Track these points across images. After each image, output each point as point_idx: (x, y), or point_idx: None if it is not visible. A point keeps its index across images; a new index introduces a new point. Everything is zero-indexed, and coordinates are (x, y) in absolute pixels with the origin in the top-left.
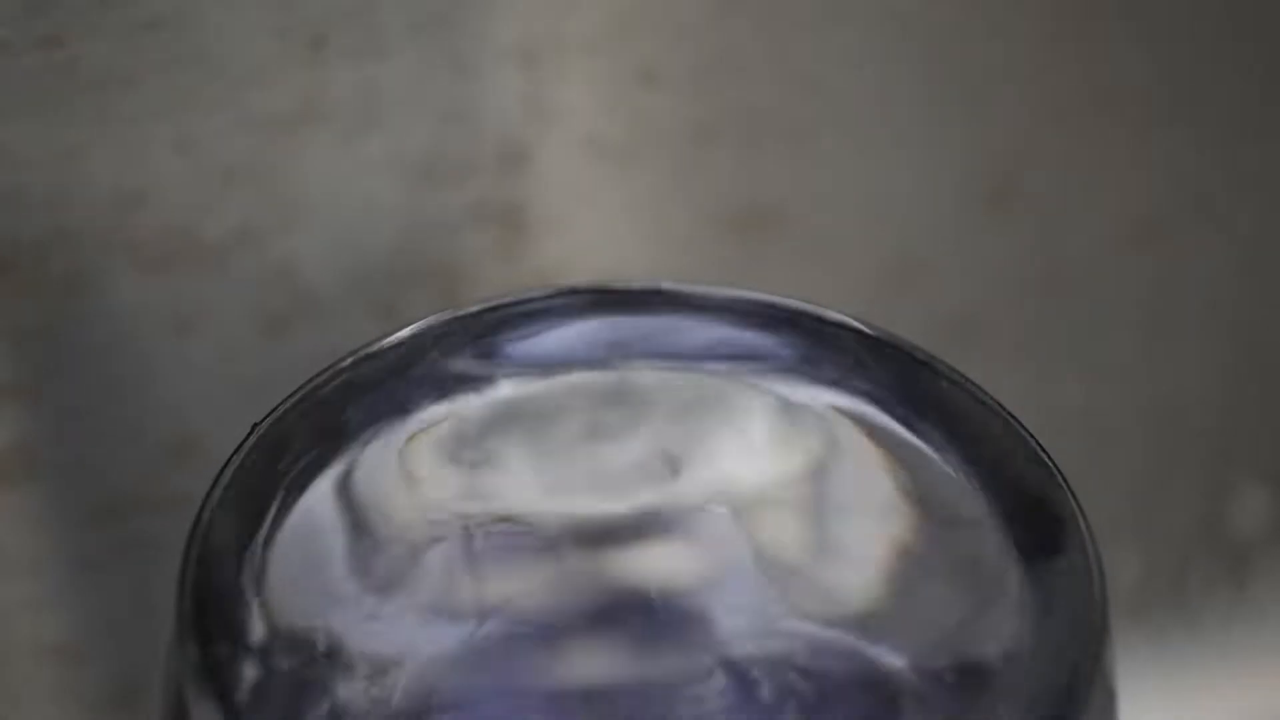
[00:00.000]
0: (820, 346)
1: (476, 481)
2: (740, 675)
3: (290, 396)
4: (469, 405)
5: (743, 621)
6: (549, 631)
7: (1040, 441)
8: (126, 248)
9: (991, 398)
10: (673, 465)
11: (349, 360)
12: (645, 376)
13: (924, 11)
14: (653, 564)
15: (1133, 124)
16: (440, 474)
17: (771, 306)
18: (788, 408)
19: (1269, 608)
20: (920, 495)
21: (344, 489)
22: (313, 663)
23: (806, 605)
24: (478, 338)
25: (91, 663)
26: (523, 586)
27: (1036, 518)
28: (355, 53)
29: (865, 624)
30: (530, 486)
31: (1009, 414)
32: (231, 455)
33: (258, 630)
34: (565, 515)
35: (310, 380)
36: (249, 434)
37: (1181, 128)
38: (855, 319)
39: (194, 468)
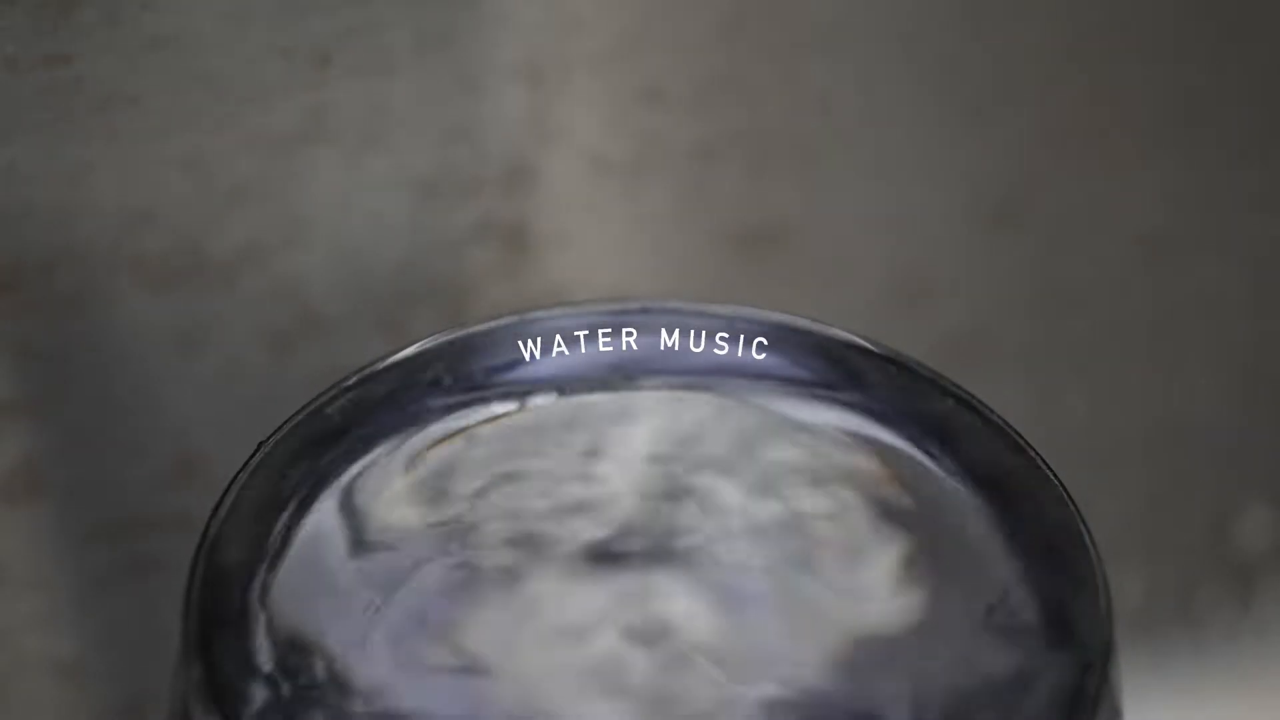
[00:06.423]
0: (826, 365)
1: (479, 501)
2: (740, 703)
3: (295, 414)
4: (473, 423)
5: (746, 648)
6: (552, 654)
7: (1046, 459)
8: (132, 266)
9: (998, 415)
10: (675, 483)
11: (354, 378)
12: (650, 395)
13: (929, 31)
14: (656, 589)
15: (1137, 143)
16: (443, 492)
17: (777, 325)
18: (792, 426)
19: (1274, 627)
20: (926, 513)
21: (348, 506)
22: (318, 682)
23: (810, 625)
24: (482, 356)
25: (96, 681)
26: (524, 609)
27: (1042, 536)
28: (360, 71)
29: (869, 644)
30: (533, 508)
31: (1015, 432)
32: (237, 473)
33: (263, 649)
34: (569, 538)
35: (315, 398)
36: (254, 452)
37: (1187, 146)
38: (861, 337)
39: (199, 486)
